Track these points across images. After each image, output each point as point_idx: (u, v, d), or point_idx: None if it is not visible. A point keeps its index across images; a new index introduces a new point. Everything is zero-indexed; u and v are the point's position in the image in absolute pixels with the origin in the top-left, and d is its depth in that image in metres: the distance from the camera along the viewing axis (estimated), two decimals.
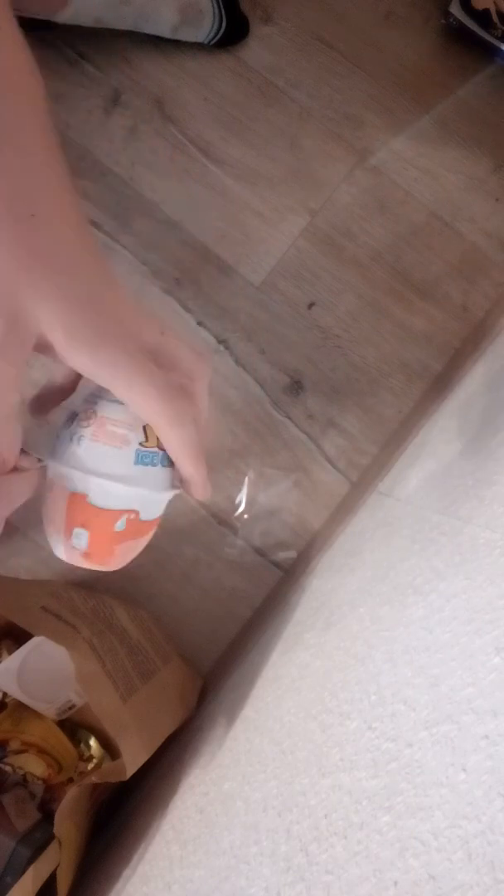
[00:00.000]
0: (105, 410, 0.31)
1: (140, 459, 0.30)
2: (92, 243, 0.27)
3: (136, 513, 0.31)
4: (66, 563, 0.33)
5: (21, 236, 0.24)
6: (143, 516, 0.32)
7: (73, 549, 0.31)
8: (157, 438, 0.31)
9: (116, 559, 0.33)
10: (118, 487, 0.30)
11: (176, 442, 0.30)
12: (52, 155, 0.27)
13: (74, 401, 0.32)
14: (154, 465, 0.31)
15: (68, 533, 0.31)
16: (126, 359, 0.27)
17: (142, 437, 0.31)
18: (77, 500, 0.30)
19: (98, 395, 0.31)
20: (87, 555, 0.32)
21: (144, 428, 0.31)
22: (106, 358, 0.27)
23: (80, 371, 0.28)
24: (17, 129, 0.25)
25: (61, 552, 0.32)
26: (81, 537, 0.31)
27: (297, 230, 0.75)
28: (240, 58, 0.77)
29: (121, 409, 0.31)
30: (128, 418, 0.31)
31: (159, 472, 0.31)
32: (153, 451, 0.31)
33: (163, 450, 0.32)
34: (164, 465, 0.32)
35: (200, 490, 0.33)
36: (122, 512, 0.31)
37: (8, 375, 0.25)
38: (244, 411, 0.72)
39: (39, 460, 0.30)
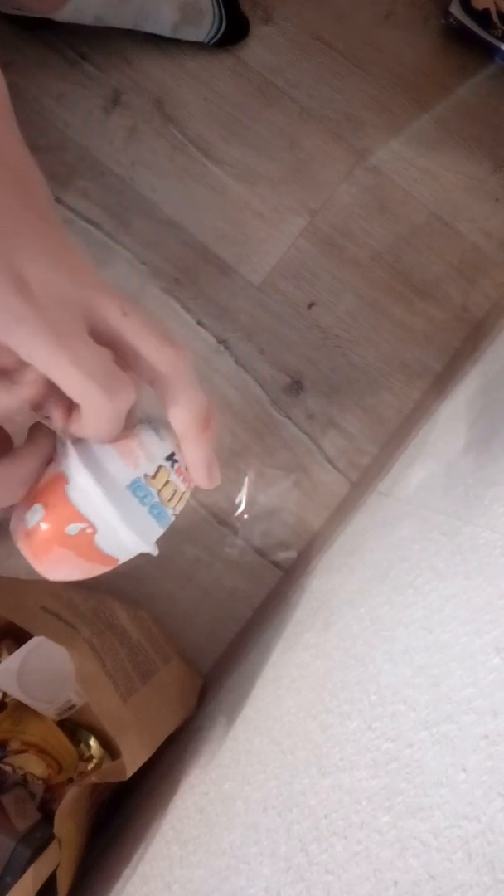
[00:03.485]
0: (142, 432, 0.30)
1: (134, 488, 0.29)
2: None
3: (94, 530, 0.29)
4: None
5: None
6: (98, 541, 0.30)
7: (20, 521, 0.30)
8: (171, 492, 0.30)
9: (49, 561, 0.30)
10: (95, 493, 0.28)
11: (99, 425, 0.27)
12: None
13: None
14: (144, 504, 0.30)
15: (29, 504, 0.30)
16: (45, 329, 0.24)
17: (151, 473, 0.30)
18: (57, 480, 0.29)
19: (149, 420, 0.31)
20: (28, 535, 0.30)
21: (159, 468, 0.30)
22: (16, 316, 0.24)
23: None
24: None
25: (12, 520, 0.31)
26: (35, 515, 0.29)
27: (297, 230, 0.75)
28: (240, 58, 0.77)
29: (156, 440, 0.30)
30: (155, 451, 0.30)
31: (143, 515, 0.30)
32: (152, 493, 0.30)
33: (168, 507, 0.31)
34: (153, 515, 0.30)
35: (205, 477, 0.31)
36: (82, 518, 0.29)
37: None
38: (244, 411, 0.72)
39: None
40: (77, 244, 0.27)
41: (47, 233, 0.25)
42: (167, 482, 0.30)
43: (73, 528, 0.29)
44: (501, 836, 0.20)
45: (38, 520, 0.29)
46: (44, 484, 0.30)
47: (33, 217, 0.25)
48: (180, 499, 0.32)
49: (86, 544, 0.30)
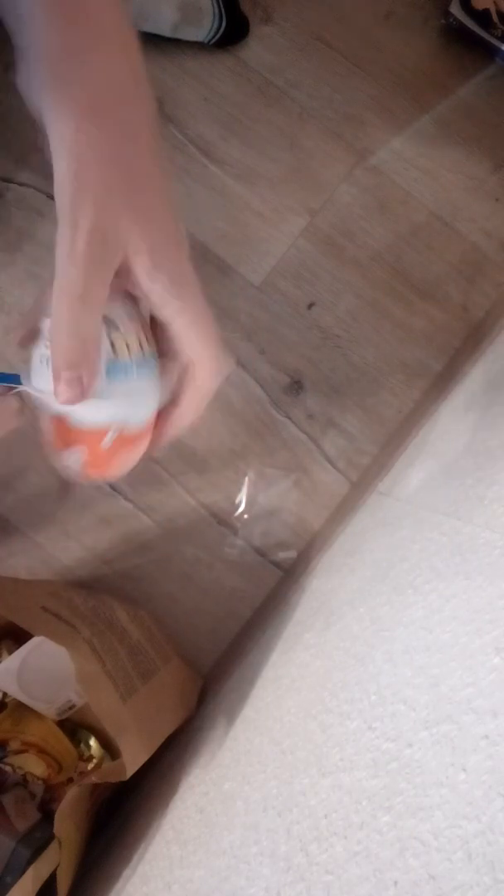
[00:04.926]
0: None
1: (111, 373, 0.30)
2: (172, 204, 0.30)
3: (122, 425, 0.31)
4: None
5: (126, 178, 0.28)
6: (130, 429, 0.32)
7: (70, 468, 0.32)
8: (130, 346, 0.31)
9: (115, 470, 0.33)
10: (90, 406, 0.30)
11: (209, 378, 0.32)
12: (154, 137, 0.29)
13: (43, 323, 0.32)
14: (129, 375, 0.30)
15: (63, 453, 0.32)
16: (195, 299, 0.30)
17: (109, 351, 0.30)
18: (61, 422, 0.31)
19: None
20: (84, 472, 0.32)
21: (112, 340, 0.30)
22: (181, 291, 0.30)
23: (151, 296, 0.30)
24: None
25: (63, 471, 0.33)
26: (75, 456, 0.32)
27: (297, 230, 0.75)
28: (240, 58, 0.77)
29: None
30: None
31: (136, 383, 0.31)
32: (125, 363, 0.30)
33: (136, 358, 0.31)
34: (141, 375, 0.31)
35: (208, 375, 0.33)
36: (105, 428, 0.31)
37: (98, 295, 0.28)
38: (244, 411, 0.72)
39: (10, 388, 0.30)
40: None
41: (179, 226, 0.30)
42: (112, 342, 0.31)
43: (106, 441, 0.31)
44: (501, 836, 0.20)
45: (79, 458, 0.32)
46: (55, 432, 0.32)
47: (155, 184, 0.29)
48: (133, 343, 0.32)
49: (124, 439, 0.32)
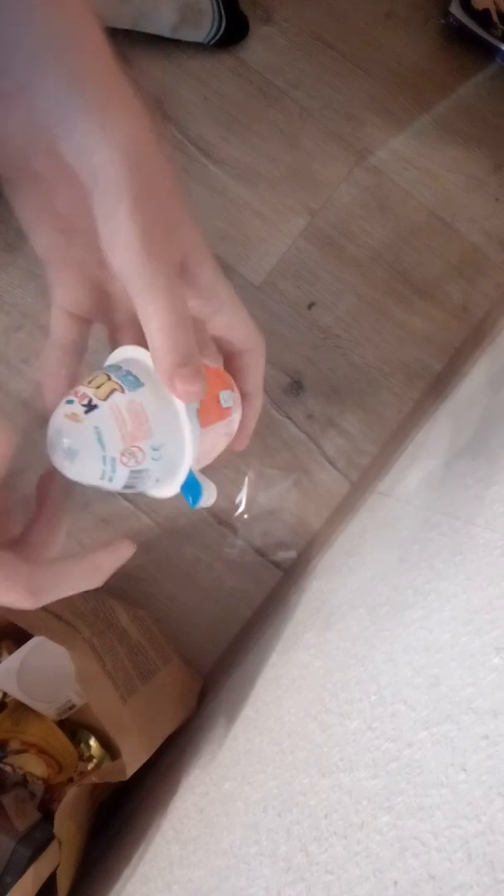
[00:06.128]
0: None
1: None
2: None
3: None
4: None
5: (174, 185, 0.29)
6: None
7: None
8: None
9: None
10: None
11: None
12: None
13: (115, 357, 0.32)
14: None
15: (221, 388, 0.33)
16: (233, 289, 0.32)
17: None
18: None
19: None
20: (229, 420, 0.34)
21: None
22: (227, 283, 0.31)
23: (213, 292, 0.30)
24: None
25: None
26: (229, 398, 0.33)
27: (297, 230, 0.75)
28: (240, 58, 0.77)
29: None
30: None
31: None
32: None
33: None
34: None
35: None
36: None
37: (182, 288, 0.28)
38: None
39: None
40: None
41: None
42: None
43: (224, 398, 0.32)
44: (501, 836, 0.20)
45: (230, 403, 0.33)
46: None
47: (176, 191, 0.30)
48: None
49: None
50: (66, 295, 0.32)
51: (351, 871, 0.25)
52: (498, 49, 0.76)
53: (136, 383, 0.29)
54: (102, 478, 0.29)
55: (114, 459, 0.28)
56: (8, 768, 0.51)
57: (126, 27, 0.72)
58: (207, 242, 0.30)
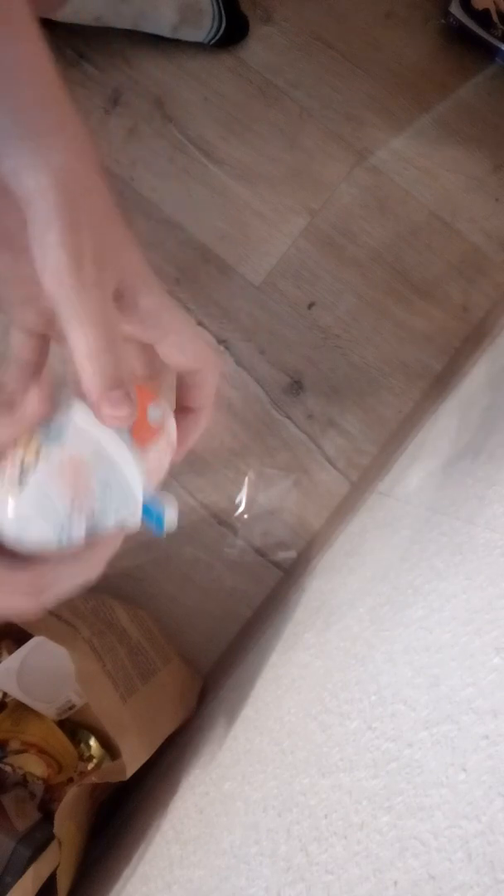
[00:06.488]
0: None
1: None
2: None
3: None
4: None
5: (108, 208, 0.29)
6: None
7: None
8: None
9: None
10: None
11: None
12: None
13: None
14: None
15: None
16: (178, 309, 0.32)
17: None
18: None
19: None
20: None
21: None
22: (171, 303, 0.31)
23: (149, 313, 0.30)
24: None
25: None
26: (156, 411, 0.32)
27: (298, 230, 0.75)
28: (240, 58, 0.77)
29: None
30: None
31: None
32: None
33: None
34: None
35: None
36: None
37: (115, 316, 0.28)
38: (244, 411, 0.72)
39: None
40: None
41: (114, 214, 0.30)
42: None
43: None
44: (501, 836, 0.20)
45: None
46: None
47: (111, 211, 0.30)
48: None
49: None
50: (18, 312, 0.32)
51: (351, 871, 0.25)
52: (498, 49, 0.76)
53: (60, 431, 0.28)
54: (61, 536, 0.28)
55: (66, 517, 0.28)
56: (8, 768, 0.51)
57: (126, 27, 0.72)
58: (149, 269, 0.30)
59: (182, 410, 0.35)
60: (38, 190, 0.27)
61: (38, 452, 0.28)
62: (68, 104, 0.29)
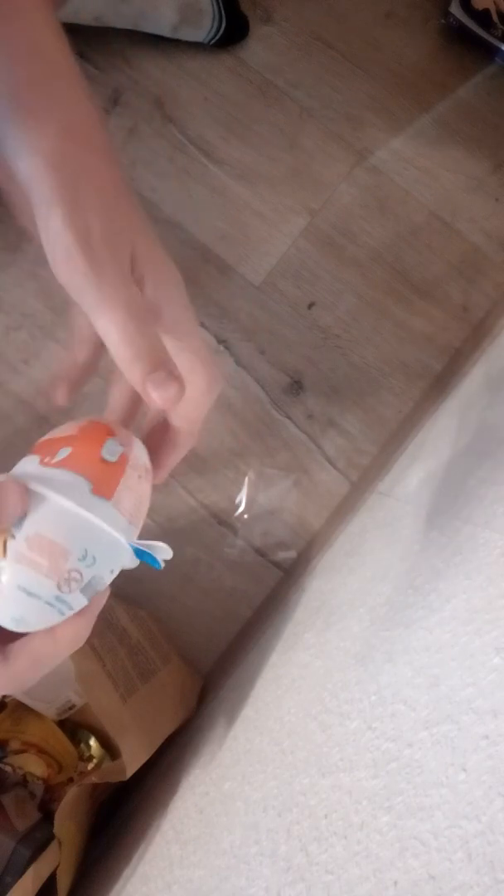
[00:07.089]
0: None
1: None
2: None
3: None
4: None
5: (109, 185, 0.28)
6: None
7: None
8: None
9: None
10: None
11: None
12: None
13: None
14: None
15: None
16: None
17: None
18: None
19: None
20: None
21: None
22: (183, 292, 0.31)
23: (158, 289, 0.29)
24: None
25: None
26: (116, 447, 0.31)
27: (298, 230, 0.75)
28: (240, 58, 0.77)
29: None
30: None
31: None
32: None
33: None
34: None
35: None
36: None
37: (138, 293, 0.28)
38: (244, 411, 0.72)
39: None
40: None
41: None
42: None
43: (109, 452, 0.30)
44: (501, 836, 0.20)
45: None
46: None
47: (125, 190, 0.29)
48: None
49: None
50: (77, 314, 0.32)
51: (351, 871, 0.25)
52: (498, 49, 0.76)
53: (20, 519, 0.27)
54: (63, 614, 0.28)
55: (57, 597, 0.27)
56: (8, 768, 0.51)
57: (126, 27, 0.72)
58: (161, 250, 0.29)
59: (163, 426, 0.33)
60: (34, 175, 0.26)
61: (5, 546, 0.27)
62: (68, 77, 0.28)
